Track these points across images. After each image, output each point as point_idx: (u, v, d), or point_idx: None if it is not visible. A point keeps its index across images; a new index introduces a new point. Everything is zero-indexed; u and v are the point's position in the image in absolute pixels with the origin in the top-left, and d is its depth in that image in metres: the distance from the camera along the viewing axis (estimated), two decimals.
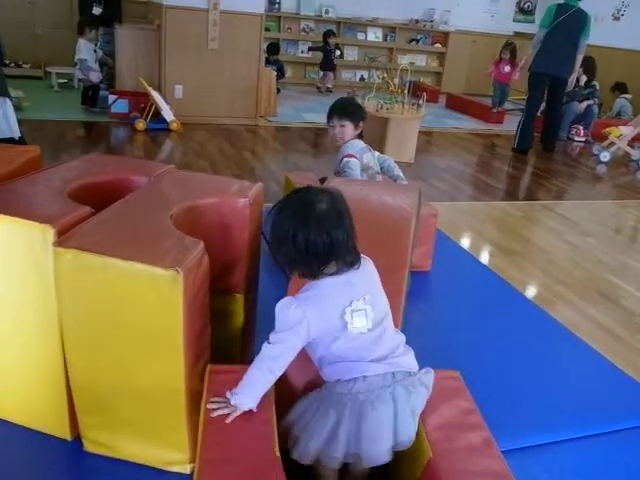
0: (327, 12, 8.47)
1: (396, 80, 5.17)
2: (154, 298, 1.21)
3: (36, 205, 1.40)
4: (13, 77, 6.73)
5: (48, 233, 1.27)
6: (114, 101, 5.35)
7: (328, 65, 8.17)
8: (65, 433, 1.48)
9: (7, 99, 2.38)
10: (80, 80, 5.75)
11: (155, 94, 5.09)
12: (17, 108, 5.15)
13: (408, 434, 1.26)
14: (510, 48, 7.34)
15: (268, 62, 7.42)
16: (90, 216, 1.38)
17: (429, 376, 1.33)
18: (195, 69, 5.36)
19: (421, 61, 9.34)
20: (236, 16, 5.27)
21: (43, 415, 1.47)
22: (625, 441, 1.78)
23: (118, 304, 1.25)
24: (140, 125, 5.10)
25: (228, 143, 5.04)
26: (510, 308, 2.56)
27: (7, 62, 6.82)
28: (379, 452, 1.24)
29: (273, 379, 1.26)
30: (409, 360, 1.32)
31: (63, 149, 4.37)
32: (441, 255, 2.85)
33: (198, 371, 1.36)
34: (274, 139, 5.50)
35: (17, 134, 2.45)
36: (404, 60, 9.04)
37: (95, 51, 5.53)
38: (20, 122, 4.85)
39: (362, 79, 8.98)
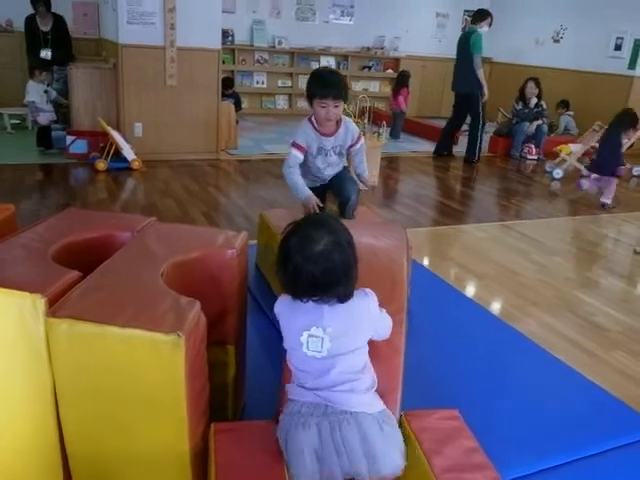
0: (280, 43, 8.59)
1: (351, 107, 5.26)
2: (155, 364, 1.19)
3: (21, 272, 1.36)
4: None
5: (39, 303, 1.23)
6: (72, 142, 5.26)
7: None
8: None
9: None
10: (33, 122, 5.64)
11: (115, 133, 5.03)
12: None
13: (331, 470, 1.25)
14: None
15: (224, 96, 7.47)
16: (79, 280, 1.35)
17: (368, 418, 1.29)
18: (154, 106, 5.33)
19: (374, 87, 9.55)
20: (193, 52, 5.29)
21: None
22: (615, 461, 1.83)
23: (117, 372, 1.21)
24: (101, 165, 5.02)
25: (192, 179, 5.01)
26: (489, 333, 2.61)
27: None
28: (304, 475, 1.25)
29: None
30: (352, 399, 1.30)
31: (23, 194, 4.26)
32: (415, 284, 2.90)
33: (201, 431, 1.34)
34: (237, 172, 5.50)
35: None
36: (357, 87, 9.24)
37: (47, 92, 5.42)
38: None
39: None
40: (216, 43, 5.40)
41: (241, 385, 1.83)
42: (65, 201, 4.17)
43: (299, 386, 1.35)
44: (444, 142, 6.79)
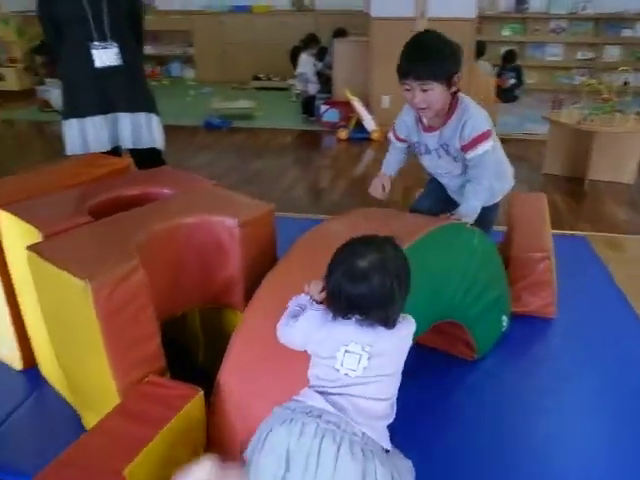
0: (584, 8, 7.54)
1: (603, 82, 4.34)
2: (77, 304, 1.35)
3: (50, 214, 1.63)
4: (262, 89, 7.70)
5: (36, 235, 1.52)
6: (325, 111, 5.71)
7: None
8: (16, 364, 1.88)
9: (153, 115, 2.76)
10: (299, 91, 6.28)
11: (357, 104, 5.27)
12: (247, 117, 5.93)
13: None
14: None
15: (505, 70, 7.06)
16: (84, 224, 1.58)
17: (356, 442, 1.12)
18: None
19: None
20: (444, 23, 5.07)
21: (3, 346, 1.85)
22: None
23: (62, 303, 1.42)
24: (342, 134, 5.34)
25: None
26: None
27: (260, 75, 7.85)
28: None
29: None
30: (356, 411, 1.15)
31: (260, 155, 4.85)
32: (590, 302, 2.41)
33: (137, 379, 1.43)
34: None
35: (160, 146, 2.83)
36: None
37: (315, 64, 5.97)
38: (242, 130, 5.56)
39: (626, 83, 7.76)
40: (470, 12, 5.10)
41: None
42: (290, 163, 4.62)
43: (313, 389, 1.22)
44: None
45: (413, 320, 1.28)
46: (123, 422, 1.29)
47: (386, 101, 5.51)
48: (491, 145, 1.83)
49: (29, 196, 1.77)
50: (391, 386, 1.24)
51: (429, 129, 1.91)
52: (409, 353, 1.27)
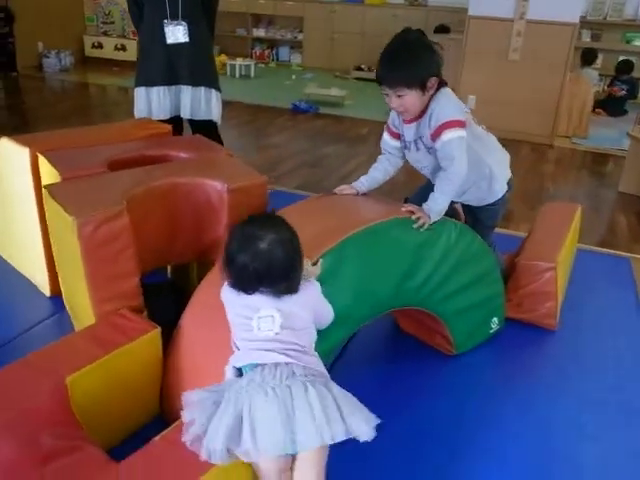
0: None
1: None
2: (69, 237, 1.60)
3: (72, 160, 1.92)
4: (362, 79, 7.83)
5: (57, 177, 1.80)
6: None
7: None
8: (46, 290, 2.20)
9: (213, 90, 3.00)
10: None
11: None
12: (336, 105, 6.11)
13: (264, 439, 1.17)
14: None
15: (618, 81, 6.66)
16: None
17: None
18: (491, 80, 5.25)
19: None
20: (544, 26, 4.91)
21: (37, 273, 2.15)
22: None
23: (62, 236, 1.69)
24: None
25: None
26: None
27: (362, 66, 7.97)
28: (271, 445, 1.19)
29: None
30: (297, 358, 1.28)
31: (335, 141, 5.00)
32: (601, 322, 2.35)
33: (112, 309, 1.65)
34: (556, 163, 4.95)
35: (216, 119, 3.06)
36: None
37: None
38: (326, 116, 5.71)
39: None
40: (574, 17, 4.86)
41: None
42: (358, 152, 4.71)
43: (250, 349, 1.32)
44: None
45: (317, 283, 1.40)
46: (84, 341, 1.52)
47: (472, 101, 5.41)
48: (459, 135, 1.79)
49: (71, 146, 2.07)
50: (304, 336, 1.34)
51: (407, 121, 1.93)
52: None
